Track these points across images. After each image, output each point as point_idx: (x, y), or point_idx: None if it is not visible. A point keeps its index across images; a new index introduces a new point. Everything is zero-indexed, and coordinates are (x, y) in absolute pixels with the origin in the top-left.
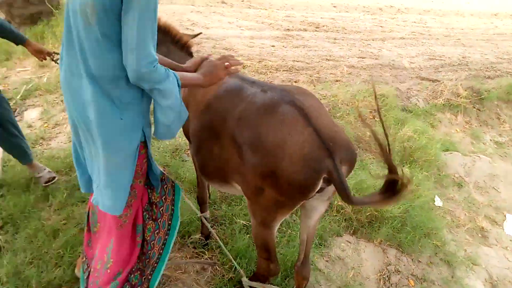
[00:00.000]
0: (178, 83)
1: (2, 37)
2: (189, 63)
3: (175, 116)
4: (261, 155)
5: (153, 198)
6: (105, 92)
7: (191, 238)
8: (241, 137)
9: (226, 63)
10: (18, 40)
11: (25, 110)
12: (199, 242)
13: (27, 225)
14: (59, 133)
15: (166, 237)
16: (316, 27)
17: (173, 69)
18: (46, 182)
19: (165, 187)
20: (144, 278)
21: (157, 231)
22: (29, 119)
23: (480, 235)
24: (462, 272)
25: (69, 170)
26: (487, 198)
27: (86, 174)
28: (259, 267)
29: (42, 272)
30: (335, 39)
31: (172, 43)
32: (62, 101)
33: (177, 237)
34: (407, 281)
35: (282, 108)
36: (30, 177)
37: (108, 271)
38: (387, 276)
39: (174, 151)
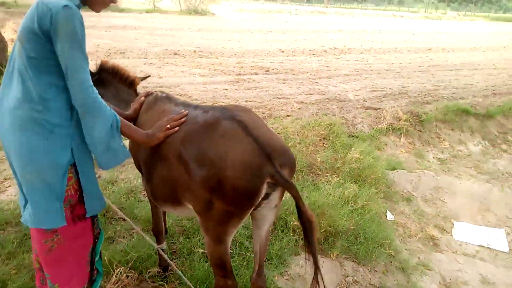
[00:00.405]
0: (116, 125)
1: None
2: (131, 110)
3: (103, 150)
4: (207, 168)
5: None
6: (31, 114)
7: (149, 273)
8: (186, 154)
9: (167, 125)
10: None
11: None
12: (157, 276)
13: None
14: (9, 186)
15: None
16: (266, 71)
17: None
18: None
19: None
20: None
21: None
22: None
23: (431, 243)
24: (416, 277)
25: (19, 220)
26: (435, 209)
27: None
28: (217, 285)
29: None
30: (284, 80)
31: (120, 81)
32: None
33: (134, 273)
34: None
35: (222, 123)
36: None
37: None
38: (347, 287)
39: (129, 192)
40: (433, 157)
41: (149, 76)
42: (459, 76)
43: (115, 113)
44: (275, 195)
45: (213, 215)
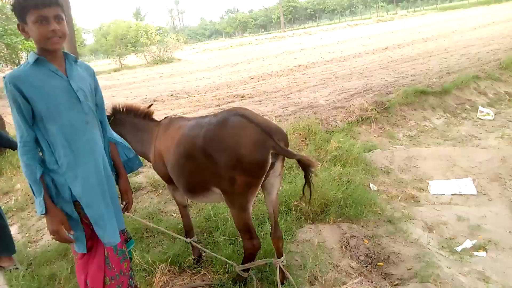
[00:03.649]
0: (33, 179)
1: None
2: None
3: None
4: (227, 152)
5: None
6: None
7: (187, 263)
8: (209, 147)
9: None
10: (14, 146)
11: None
12: (193, 265)
13: None
14: (43, 235)
15: None
16: (242, 97)
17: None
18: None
19: None
20: None
21: None
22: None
23: (412, 201)
24: (403, 225)
25: (65, 253)
26: (411, 175)
27: None
28: (245, 248)
29: None
30: (260, 101)
31: (135, 116)
32: (35, 212)
33: (174, 267)
34: (362, 241)
35: (231, 119)
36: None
37: None
38: (346, 242)
39: (149, 215)
40: (403, 136)
41: (152, 104)
42: (415, 65)
43: (32, 173)
44: (278, 165)
45: (236, 189)
